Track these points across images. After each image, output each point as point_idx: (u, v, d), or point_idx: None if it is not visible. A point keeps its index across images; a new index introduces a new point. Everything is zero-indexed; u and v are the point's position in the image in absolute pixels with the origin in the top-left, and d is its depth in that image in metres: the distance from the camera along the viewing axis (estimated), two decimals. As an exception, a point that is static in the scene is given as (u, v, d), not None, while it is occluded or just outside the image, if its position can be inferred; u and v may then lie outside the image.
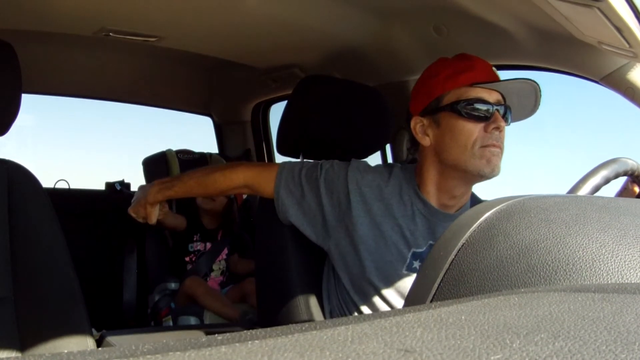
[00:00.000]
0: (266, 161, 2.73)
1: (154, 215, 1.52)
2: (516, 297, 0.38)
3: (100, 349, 0.31)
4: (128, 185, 2.84)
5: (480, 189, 1.41)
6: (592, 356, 0.25)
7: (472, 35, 1.53)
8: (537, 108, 1.28)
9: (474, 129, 1.21)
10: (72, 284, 1.14)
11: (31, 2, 1.57)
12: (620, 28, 1.02)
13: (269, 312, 1.44)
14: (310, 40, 1.83)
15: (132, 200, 1.53)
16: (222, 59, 2.11)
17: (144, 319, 2.41)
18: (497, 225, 0.51)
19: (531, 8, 1.19)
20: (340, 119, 1.49)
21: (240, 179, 1.41)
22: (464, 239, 0.51)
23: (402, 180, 1.32)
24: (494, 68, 1.28)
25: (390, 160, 1.99)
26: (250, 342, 0.28)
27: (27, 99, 1.56)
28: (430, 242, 1.29)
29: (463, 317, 0.33)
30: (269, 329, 0.33)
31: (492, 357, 0.26)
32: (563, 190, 1.08)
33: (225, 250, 2.50)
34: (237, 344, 0.28)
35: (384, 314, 0.35)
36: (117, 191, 2.79)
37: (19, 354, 1.07)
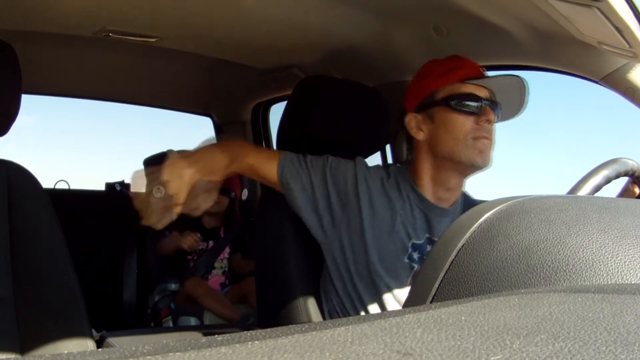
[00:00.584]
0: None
1: (210, 199, 1.27)
2: (516, 297, 0.38)
3: (100, 350, 0.31)
4: (128, 186, 2.84)
5: (482, 190, 1.42)
6: (592, 357, 0.25)
7: (472, 35, 1.53)
8: (525, 105, 1.35)
9: (466, 122, 1.28)
10: (72, 284, 1.14)
11: (31, 3, 1.57)
12: (620, 28, 1.02)
13: (268, 312, 1.44)
14: (310, 40, 1.83)
15: (159, 196, 1.16)
16: (222, 59, 2.11)
17: (144, 319, 2.41)
18: (497, 226, 0.51)
19: (531, 8, 1.19)
20: (340, 119, 1.49)
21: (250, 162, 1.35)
22: (464, 239, 0.51)
23: (399, 177, 1.37)
24: (482, 68, 1.35)
25: (390, 160, 1.99)
26: (250, 342, 0.28)
27: (27, 100, 1.56)
28: (427, 235, 1.34)
29: (463, 318, 0.33)
30: (268, 329, 0.33)
31: (492, 358, 0.25)
32: (563, 190, 1.08)
33: (227, 249, 2.50)
34: (237, 345, 0.28)
35: (384, 315, 0.35)
36: (117, 192, 2.79)
37: (18, 355, 1.07)
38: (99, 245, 2.68)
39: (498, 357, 0.26)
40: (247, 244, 2.57)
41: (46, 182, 2.57)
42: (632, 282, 0.43)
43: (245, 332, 0.32)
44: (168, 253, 2.38)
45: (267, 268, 1.45)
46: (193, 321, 2.23)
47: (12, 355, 1.07)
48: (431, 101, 1.32)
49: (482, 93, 1.30)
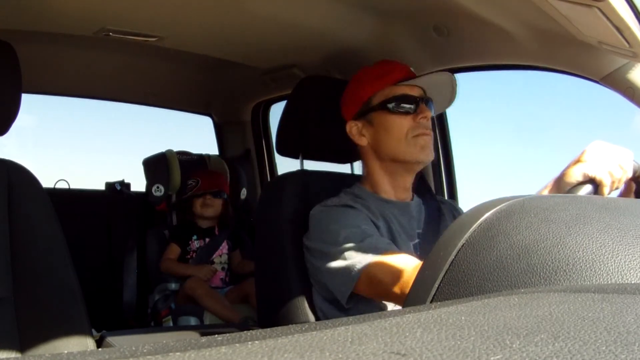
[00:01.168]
0: (266, 161, 2.74)
1: None
2: (516, 297, 0.38)
3: (100, 349, 0.31)
4: (128, 185, 2.84)
5: (481, 190, 1.43)
6: (592, 356, 0.25)
7: (472, 35, 1.53)
8: (454, 97, 1.42)
9: (404, 122, 1.33)
10: (72, 284, 1.14)
11: (31, 2, 1.57)
12: (620, 28, 1.02)
13: (268, 312, 1.44)
14: (310, 40, 1.83)
15: None
16: (222, 58, 2.11)
17: (144, 319, 2.41)
18: (497, 226, 0.51)
19: (531, 8, 1.19)
20: (340, 119, 1.49)
21: None
22: (464, 239, 0.51)
23: (363, 199, 1.35)
24: (411, 68, 1.42)
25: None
26: (250, 342, 0.28)
27: (27, 99, 1.56)
28: (418, 231, 1.36)
29: (463, 318, 0.33)
30: (268, 329, 0.33)
31: (492, 358, 0.25)
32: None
33: (225, 245, 2.52)
34: (237, 345, 0.28)
35: (384, 315, 0.35)
36: (117, 191, 2.79)
37: (18, 355, 1.07)
38: (99, 245, 2.68)
39: (498, 356, 0.26)
40: (247, 244, 2.58)
41: (46, 182, 2.57)
42: (632, 282, 0.43)
43: (245, 332, 0.32)
44: (175, 273, 2.41)
45: (267, 268, 1.45)
46: (193, 321, 2.23)
47: (12, 355, 1.06)
48: (368, 107, 1.36)
49: (415, 92, 1.35)
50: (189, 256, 2.46)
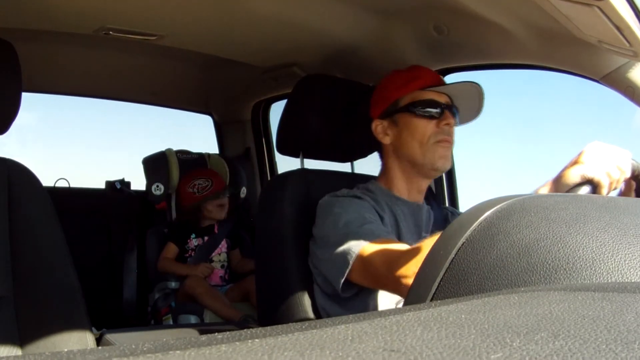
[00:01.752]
0: (266, 160, 2.74)
1: None
2: (516, 296, 0.38)
3: (100, 347, 0.31)
4: (128, 184, 2.84)
5: (482, 190, 1.44)
6: (592, 355, 0.25)
7: (472, 34, 1.53)
8: (482, 109, 1.44)
9: (428, 126, 1.37)
10: (72, 283, 1.14)
11: (31, 1, 1.57)
12: (621, 27, 1.02)
13: (268, 310, 1.44)
14: (310, 39, 1.83)
15: None
16: (222, 57, 2.11)
17: (144, 317, 2.41)
18: (498, 224, 0.51)
19: (531, 7, 1.19)
20: (340, 119, 1.49)
21: None
22: (464, 237, 0.51)
23: (373, 192, 1.39)
24: (440, 76, 1.47)
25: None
26: (250, 340, 0.28)
27: (27, 98, 1.56)
28: (425, 234, 1.38)
29: (463, 316, 0.33)
30: (269, 327, 0.33)
31: (492, 356, 0.26)
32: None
33: (225, 244, 2.52)
34: (237, 343, 0.28)
35: (384, 313, 0.35)
36: (118, 190, 2.79)
37: (19, 353, 1.07)
38: (99, 243, 2.68)
39: (498, 355, 0.26)
40: (246, 242, 2.58)
41: (46, 180, 2.57)
42: (632, 281, 0.43)
43: (245, 330, 0.32)
44: (172, 273, 2.42)
45: (267, 266, 1.45)
46: (193, 319, 2.23)
47: (12, 353, 1.06)
48: (395, 108, 1.41)
49: (442, 99, 1.39)
50: (187, 255, 2.46)
